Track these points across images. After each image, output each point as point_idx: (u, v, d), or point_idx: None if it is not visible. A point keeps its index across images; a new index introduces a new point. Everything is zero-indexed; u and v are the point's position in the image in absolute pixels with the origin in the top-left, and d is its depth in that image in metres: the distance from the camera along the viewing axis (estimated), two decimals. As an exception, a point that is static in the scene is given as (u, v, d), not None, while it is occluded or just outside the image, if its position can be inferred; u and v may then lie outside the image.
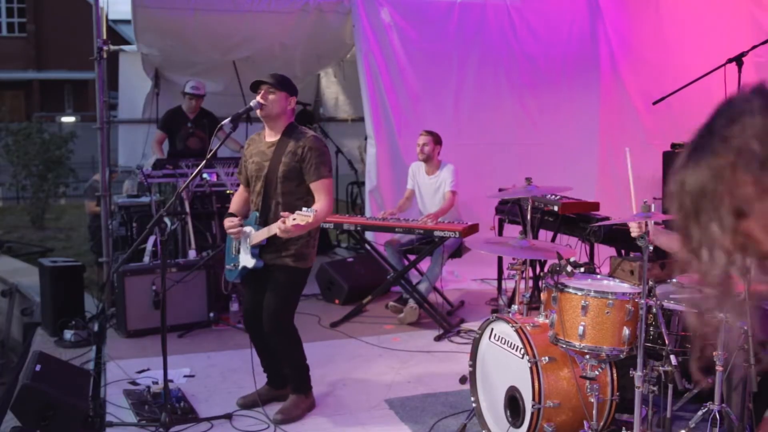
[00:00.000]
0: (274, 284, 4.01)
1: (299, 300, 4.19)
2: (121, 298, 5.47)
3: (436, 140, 5.97)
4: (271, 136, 4.04)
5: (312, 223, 3.71)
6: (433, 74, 7.11)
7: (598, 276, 3.72)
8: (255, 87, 4.00)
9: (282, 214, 3.76)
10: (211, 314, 5.66)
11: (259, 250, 4.00)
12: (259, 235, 3.95)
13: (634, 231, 3.41)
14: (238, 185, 4.36)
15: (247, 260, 4.03)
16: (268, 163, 3.99)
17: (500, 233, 6.08)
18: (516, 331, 3.55)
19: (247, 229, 4.04)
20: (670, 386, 3.35)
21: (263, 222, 3.97)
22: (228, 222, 4.06)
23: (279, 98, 3.95)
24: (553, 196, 5.59)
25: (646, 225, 3.29)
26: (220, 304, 5.85)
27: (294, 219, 3.65)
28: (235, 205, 4.24)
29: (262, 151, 4.05)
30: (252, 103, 3.96)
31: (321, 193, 3.93)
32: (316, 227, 4.00)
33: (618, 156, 7.27)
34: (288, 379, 4.23)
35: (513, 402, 3.56)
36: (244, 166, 4.18)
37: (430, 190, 6.04)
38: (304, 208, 3.67)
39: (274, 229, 3.76)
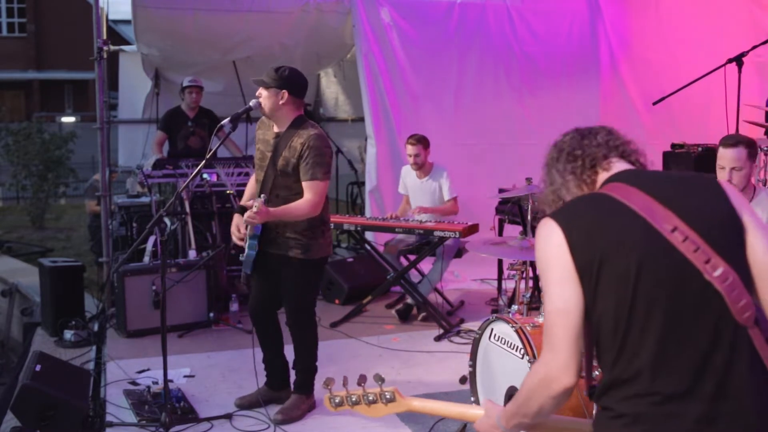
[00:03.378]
0: (285, 280, 4.02)
1: (317, 290, 4.20)
2: (121, 298, 5.47)
3: (425, 145, 5.93)
4: (277, 128, 4.01)
5: (284, 213, 3.82)
6: (433, 74, 7.11)
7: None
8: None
9: (248, 204, 3.81)
10: (211, 314, 5.66)
11: (257, 241, 3.95)
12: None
13: None
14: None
15: (246, 247, 4.02)
16: (270, 154, 3.98)
17: (500, 233, 6.08)
18: (516, 331, 3.55)
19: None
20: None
21: None
22: (235, 236, 4.04)
23: (268, 95, 3.90)
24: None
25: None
26: (220, 304, 5.85)
27: (253, 209, 3.70)
28: (248, 193, 4.21)
29: (267, 140, 4.03)
30: (251, 103, 3.95)
31: (308, 192, 3.88)
32: (319, 219, 3.97)
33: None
34: (286, 378, 4.24)
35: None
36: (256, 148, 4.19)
37: (425, 192, 6.02)
38: (259, 198, 3.75)
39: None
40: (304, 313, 4.09)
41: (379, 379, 2.21)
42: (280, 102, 3.90)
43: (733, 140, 3.76)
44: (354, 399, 2.21)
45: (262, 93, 3.92)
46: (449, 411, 2.30)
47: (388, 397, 2.20)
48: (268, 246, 3.98)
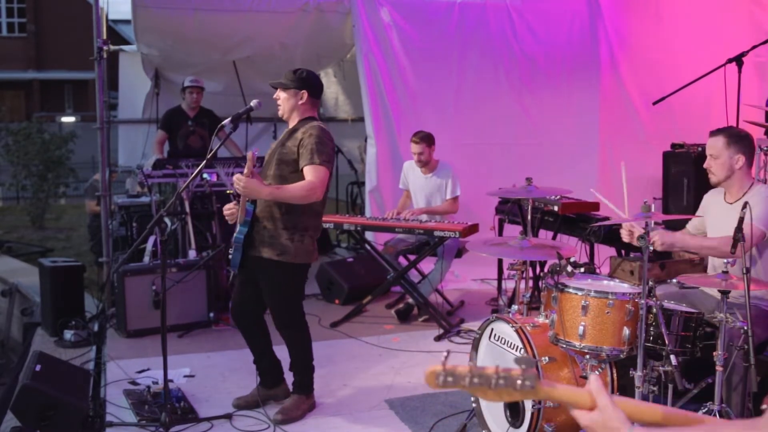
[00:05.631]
0: (264, 282, 3.99)
1: (301, 295, 4.11)
2: (121, 298, 5.47)
3: (429, 143, 5.92)
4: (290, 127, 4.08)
5: (279, 190, 3.76)
6: (433, 74, 7.11)
7: (599, 276, 3.72)
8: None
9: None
10: (211, 314, 5.66)
11: (248, 229, 3.91)
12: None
13: (625, 236, 3.71)
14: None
15: (236, 233, 3.99)
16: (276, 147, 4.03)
17: (500, 233, 6.08)
18: (516, 331, 3.55)
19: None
20: (670, 386, 3.35)
21: (254, 201, 3.93)
22: (227, 210, 4.04)
23: (287, 96, 3.98)
24: (553, 196, 5.59)
25: (646, 225, 3.30)
26: (220, 304, 5.85)
27: (243, 172, 3.70)
28: None
29: (278, 138, 4.09)
30: (252, 103, 3.96)
31: (308, 175, 3.82)
32: (302, 224, 3.93)
33: (618, 156, 7.29)
34: (278, 376, 4.23)
35: (513, 402, 3.56)
36: None
37: (430, 188, 6.01)
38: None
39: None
40: (286, 314, 4.05)
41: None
42: (300, 102, 3.97)
43: (717, 130, 3.89)
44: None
45: (281, 95, 3.98)
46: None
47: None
48: (246, 247, 3.94)
